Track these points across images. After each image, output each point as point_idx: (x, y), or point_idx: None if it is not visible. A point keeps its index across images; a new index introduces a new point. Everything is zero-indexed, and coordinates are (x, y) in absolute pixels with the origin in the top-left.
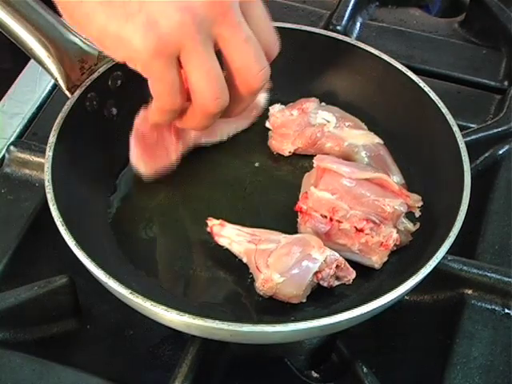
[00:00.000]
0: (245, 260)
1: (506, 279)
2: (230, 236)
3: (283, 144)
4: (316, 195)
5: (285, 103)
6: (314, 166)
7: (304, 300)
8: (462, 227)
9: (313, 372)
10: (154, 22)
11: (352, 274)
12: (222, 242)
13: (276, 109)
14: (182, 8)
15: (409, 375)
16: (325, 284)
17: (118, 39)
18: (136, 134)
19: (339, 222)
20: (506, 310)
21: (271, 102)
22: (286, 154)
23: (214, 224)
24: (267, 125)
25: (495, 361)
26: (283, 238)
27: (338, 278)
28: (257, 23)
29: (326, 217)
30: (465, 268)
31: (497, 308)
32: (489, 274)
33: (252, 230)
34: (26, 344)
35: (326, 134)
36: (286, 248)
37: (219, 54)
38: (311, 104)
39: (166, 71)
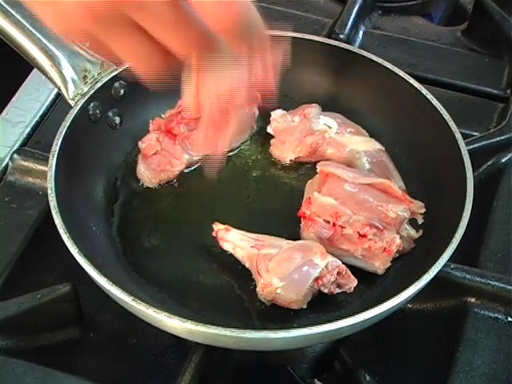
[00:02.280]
0: (247, 265)
1: (509, 287)
2: (234, 241)
3: (284, 152)
4: (319, 200)
5: (287, 111)
6: (318, 171)
7: (304, 306)
8: (464, 235)
9: (316, 380)
10: None
11: (353, 282)
12: (226, 246)
13: (278, 114)
14: None
15: (411, 383)
16: (326, 290)
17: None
18: (142, 154)
19: (342, 227)
20: (509, 319)
21: (273, 109)
22: (287, 161)
23: (219, 229)
24: (269, 130)
25: (498, 369)
26: (286, 243)
27: (339, 286)
28: None
29: (329, 222)
30: (468, 276)
31: (500, 316)
32: (492, 283)
33: (256, 236)
34: (29, 352)
35: (327, 140)
36: (287, 253)
37: None
38: (313, 110)
39: None
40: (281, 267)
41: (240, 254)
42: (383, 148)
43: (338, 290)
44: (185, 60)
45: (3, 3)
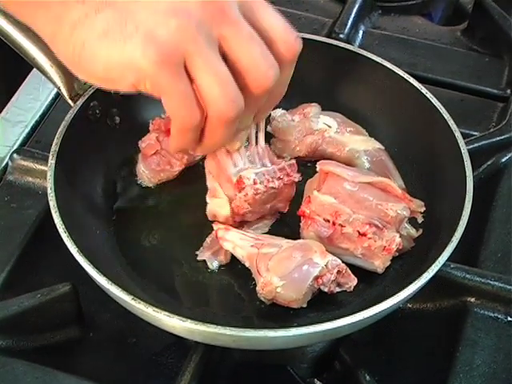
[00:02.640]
0: (247, 264)
1: (509, 287)
2: (234, 240)
3: (283, 152)
4: (319, 199)
5: (287, 110)
6: (317, 170)
7: (304, 305)
8: (464, 235)
9: (316, 380)
10: (153, 35)
11: (353, 281)
12: (226, 246)
13: (278, 113)
14: (176, 13)
15: (411, 383)
16: (325, 289)
17: (121, 65)
18: (142, 154)
19: (342, 226)
20: (509, 318)
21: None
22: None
23: (219, 228)
24: (268, 129)
25: (498, 368)
26: (286, 242)
27: (339, 285)
28: (264, 21)
29: (328, 221)
30: (467, 276)
31: (499, 316)
32: (491, 282)
33: (256, 235)
34: (28, 352)
35: (326, 139)
36: (287, 252)
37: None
38: (312, 109)
39: (175, 81)
40: (281, 266)
41: (240, 254)
42: (383, 147)
43: (337, 289)
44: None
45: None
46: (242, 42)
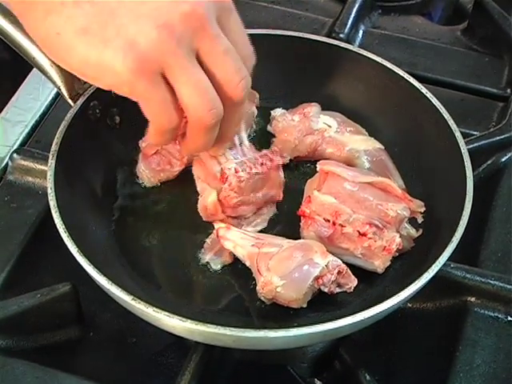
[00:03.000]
0: (248, 263)
1: (509, 287)
2: (235, 239)
3: (283, 151)
4: (319, 199)
5: (287, 110)
6: (318, 169)
7: (305, 305)
8: (464, 235)
9: (316, 380)
10: (133, 43)
11: (354, 282)
12: (227, 245)
13: (278, 113)
14: (159, 25)
15: (412, 383)
16: (326, 290)
17: (99, 67)
18: (142, 153)
19: (342, 226)
20: (509, 318)
21: (273, 109)
22: (287, 160)
23: (219, 227)
24: (269, 129)
25: (498, 368)
26: (287, 242)
27: (339, 285)
28: (233, 36)
29: (328, 221)
30: (468, 275)
31: (500, 315)
32: (492, 282)
33: (256, 234)
34: (29, 351)
35: (326, 139)
36: (287, 252)
37: None
38: (313, 108)
39: (152, 90)
40: (281, 266)
41: (240, 253)
42: (383, 147)
43: (338, 290)
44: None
45: (3, 3)
46: (217, 57)
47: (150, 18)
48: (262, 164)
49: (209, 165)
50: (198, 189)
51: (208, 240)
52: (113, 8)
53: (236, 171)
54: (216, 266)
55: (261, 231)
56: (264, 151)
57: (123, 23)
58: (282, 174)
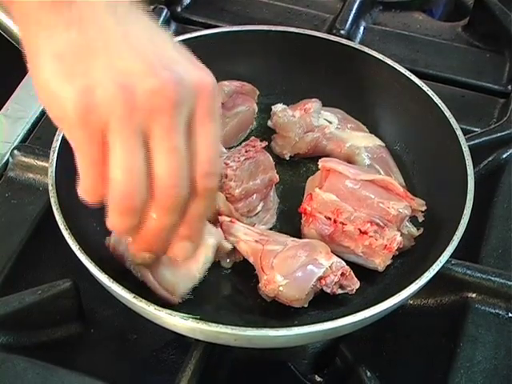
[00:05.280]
0: (251, 260)
1: (510, 283)
2: (239, 235)
3: (284, 148)
4: (320, 197)
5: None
6: (319, 167)
7: (306, 305)
8: (465, 231)
9: (316, 376)
10: (91, 90)
11: (356, 284)
12: (230, 240)
13: (278, 108)
14: (122, 86)
15: (412, 379)
16: (328, 290)
17: (54, 97)
18: None
19: (343, 223)
20: (510, 314)
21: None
22: (287, 157)
23: (224, 220)
24: (269, 124)
25: (499, 365)
26: (291, 240)
27: (341, 287)
28: (199, 138)
29: (329, 218)
30: (468, 272)
31: (500, 312)
32: (492, 278)
33: (261, 230)
34: (29, 348)
35: (327, 135)
36: (291, 251)
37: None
38: (313, 105)
39: (85, 143)
40: (285, 265)
41: (244, 249)
42: (383, 144)
43: (340, 291)
44: None
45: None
46: (161, 151)
47: (119, 74)
48: (246, 151)
49: None
50: None
51: None
52: (96, 47)
53: (226, 164)
54: (227, 264)
55: None
56: (243, 143)
57: (95, 66)
58: (269, 156)
